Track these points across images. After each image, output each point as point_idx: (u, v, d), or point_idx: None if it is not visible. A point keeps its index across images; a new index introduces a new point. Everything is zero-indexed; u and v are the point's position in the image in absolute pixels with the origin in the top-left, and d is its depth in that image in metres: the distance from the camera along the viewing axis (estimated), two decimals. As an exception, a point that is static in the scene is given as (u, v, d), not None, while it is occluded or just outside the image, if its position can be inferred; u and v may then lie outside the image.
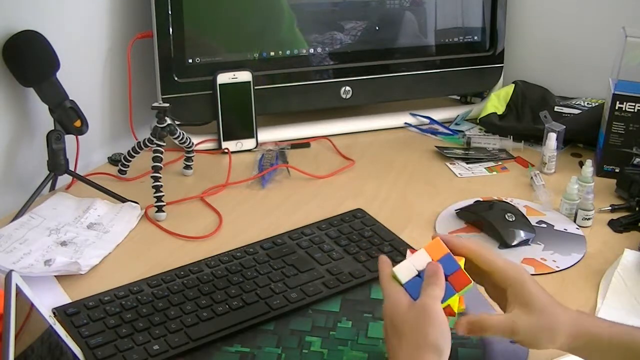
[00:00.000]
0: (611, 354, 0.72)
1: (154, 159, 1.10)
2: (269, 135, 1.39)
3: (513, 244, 1.04)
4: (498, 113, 1.45)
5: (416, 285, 0.72)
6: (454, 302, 0.73)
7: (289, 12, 1.37)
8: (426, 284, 0.71)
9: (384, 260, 0.76)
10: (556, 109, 1.42)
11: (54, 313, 0.86)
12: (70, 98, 1.12)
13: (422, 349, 0.66)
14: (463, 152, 1.35)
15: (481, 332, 0.73)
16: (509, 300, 0.73)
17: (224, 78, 1.32)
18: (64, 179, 1.17)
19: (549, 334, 0.71)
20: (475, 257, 0.75)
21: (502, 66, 1.53)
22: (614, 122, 1.23)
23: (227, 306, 0.88)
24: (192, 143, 1.23)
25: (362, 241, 1.03)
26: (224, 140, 1.34)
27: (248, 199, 1.18)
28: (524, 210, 1.12)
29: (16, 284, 0.69)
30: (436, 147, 1.37)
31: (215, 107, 1.33)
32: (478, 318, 0.72)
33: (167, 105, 1.13)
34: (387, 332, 0.71)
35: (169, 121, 1.14)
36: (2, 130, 1.11)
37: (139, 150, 1.19)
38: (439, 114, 1.51)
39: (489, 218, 1.07)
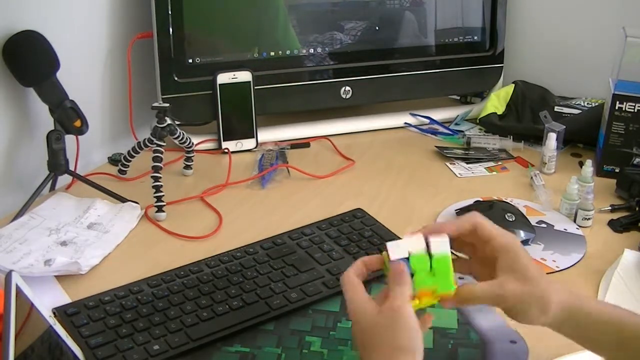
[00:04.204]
0: (596, 329, 0.71)
1: (154, 159, 1.10)
2: (269, 135, 1.39)
3: (513, 244, 1.04)
4: (498, 113, 1.45)
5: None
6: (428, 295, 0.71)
7: (284, 12, 1.37)
8: (393, 284, 0.69)
9: (356, 267, 0.74)
10: (556, 109, 1.42)
11: (54, 313, 0.86)
12: (70, 98, 1.12)
13: (395, 354, 0.64)
14: (463, 152, 1.35)
15: (466, 302, 0.71)
16: (499, 267, 0.71)
17: (224, 78, 1.32)
18: (64, 179, 1.17)
19: (541, 302, 0.70)
20: (477, 227, 0.74)
21: (502, 66, 1.53)
22: (614, 122, 1.23)
23: (227, 306, 0.88)
24: (192, 143, 1.23)
25: (362, 241, 1.03)
26: (224, 140, 1.34)
27: (248, 199, 1.18)
28: (524, 210, 1.12)
29: (16, 284, 0.69)
30: (436, 147, 1.37)
31: (215, 107, 1.33)
32: (461, 289, 0.71)
33: (167, 105, 1.13)
34: (356, 338, 0.69)
35: (169, 121, 1.14)
36: (2, 130, 1.11)
37: (139, 150, 1.19)
38: (439, 114, 1.51)
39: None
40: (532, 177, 1.23)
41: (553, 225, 1.10)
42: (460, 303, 0.72)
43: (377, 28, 1.44)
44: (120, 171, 1.23)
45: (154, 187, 1.10)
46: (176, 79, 1.31)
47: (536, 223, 1.10)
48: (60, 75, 1.11)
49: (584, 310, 0.71)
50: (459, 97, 1.61)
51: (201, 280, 0.92)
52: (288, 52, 1.38)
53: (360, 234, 1.04)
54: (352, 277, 0.72)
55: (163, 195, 1.10)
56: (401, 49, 1.46)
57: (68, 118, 1.12)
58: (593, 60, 1.48)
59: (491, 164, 1.32)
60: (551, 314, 0.70)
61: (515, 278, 0.70)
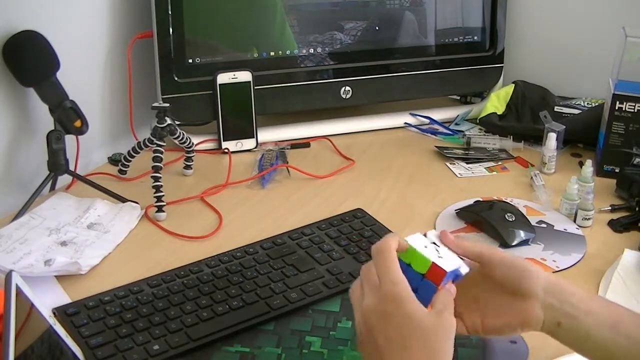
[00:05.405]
0: (587, 310, 0.70)
1: (154, 159, 1.10)
2: (269, 135, 1.39)
3: (513, 244, 1.04)
4: (498, 113, 1.45)
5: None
6: None
7: (281, 12, 1.37)
8: (449, 303, 0.68)
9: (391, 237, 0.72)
10: (556, 109, 1.42)
11: (54, 313, 0.86)
12: (70, 98, 1.12)
13: (437, 356, 0.65)
14: (463, 152, 1.35)
15: (463, 246, 0.72)
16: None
17: (224, 78, 1.32)
18: (64, 179, 1.17)
19: (528, 267, 0.71)
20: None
21: (502, 66, 1.53)
22: (614, 122, 1.23)
23: (227, 306, 0.88)
24: (192, 143, 1.23)
25: (362, 241, 1.03)
26: (224, 140, 1.34)
27: (248, 199, 1.18)
28: (524, 210, 1.12)
29: (16, 284, 0.69)
30: (436, 147, 1.37)
31: (215, 107, 1.33)
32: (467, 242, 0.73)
33: (167, 105, 1.13)
34: (384, 326, 0.67)
35: (169, 121, 1.14)
36: (2, 130, 1.11)
37: (139, 150, 1.19)
38: (439, 114, 1.51)
39: (489, 218, 1.07)
40: (532, 177, 1.23)
41: (553, 225, 1.10)
42: (464, 250, 0.73)
43: (377, 28, 1.44)
44: (120, 171, 1.23)
45: (154, 187, 1.10)
46: (176, 79, 1.31)
47: (536, 223, 1.10)
48: (60, 75, 1.11)
49: (568, 291, 0.71)
50: (459, 97, 1.61)
51: (201, 280, 0.92)
52: (288, 52, 1.38)
53: (360, 234, 1.04)
54: (393, 251, 0.69)
55: (163, 195, 1.10)
56: (401, 49, 1.46)
57: (68, 118, 1.12)
58: (593, 60, 1.48)
59: (491, 164, 1.32)
60: (543, 280, 0.71)
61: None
